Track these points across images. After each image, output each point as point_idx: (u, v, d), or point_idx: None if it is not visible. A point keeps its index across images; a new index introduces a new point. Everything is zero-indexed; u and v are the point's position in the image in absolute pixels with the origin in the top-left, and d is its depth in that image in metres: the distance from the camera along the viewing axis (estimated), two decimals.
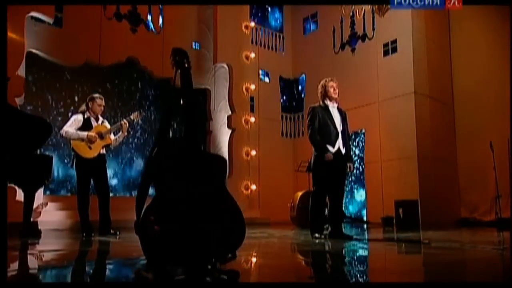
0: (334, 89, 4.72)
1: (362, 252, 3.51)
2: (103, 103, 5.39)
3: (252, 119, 10.21)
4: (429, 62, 9.54)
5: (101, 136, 5.22)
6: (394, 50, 9.59)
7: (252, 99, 10.49)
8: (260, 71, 10.83)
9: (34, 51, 7.86)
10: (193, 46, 10.05)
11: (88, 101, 5.36)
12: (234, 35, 10.22)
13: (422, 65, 9.41)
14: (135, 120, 5.53)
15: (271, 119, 10.80)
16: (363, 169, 9.80)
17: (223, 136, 10.09)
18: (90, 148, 5.14)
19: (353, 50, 10.16)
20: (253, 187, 9.90)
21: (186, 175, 1.76)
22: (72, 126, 5.17)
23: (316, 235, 4.61)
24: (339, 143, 4.69)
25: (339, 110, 4.80)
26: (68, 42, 8.20)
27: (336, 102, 4.78)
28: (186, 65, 2.06)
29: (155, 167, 1.76)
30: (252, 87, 10.29)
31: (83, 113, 5.32)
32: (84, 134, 5.12)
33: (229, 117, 10.05)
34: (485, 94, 9.26)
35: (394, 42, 9.59)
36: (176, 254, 1.65)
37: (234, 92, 10.10)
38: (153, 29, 8.94)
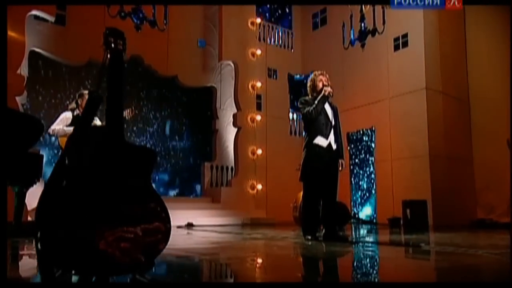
0: (323, 83, 4.49)
1: (345, 256, 3.25)
2: None
3: (258, 117, 9.98)
4: (442, 56, 9.11)
5: None
6: (405, 44, 9.21)
7: (259, 97, 10.26)
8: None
9: (37, 50, 7.86)
10: (199, 44, 9.90)
11: (77, 98, 5.25)
12: (240, 32, 10.02)
13: (435, 59, 9.00)
14: (127, 117, 5.41)
15: (279, 117, 10.54)
16: (373, 168, 9.45)
17: (229, 134, 9.91)
18: None
19: (363, 45, 9.86)
20: (259, 186, 9.67)
21: (103, 168, 1.57)
22: (60, 124, 5.07)
23: (308, 236, 4.38)
24: (331, 137, 4.45)
25: (330, 104, 4.55)
26: (72, 40, 8.16)
27: None
28: (119, 47, 1.87)
29: (70, 158, 1.58)
30: (258, 84, 10.06)
31: (72, 110, 5.22)
32: (70, 129, 5.00)
33: (234, 115, 9.87)
34: (503, 89, 8.74)
35: (405, 36, 9.21)
36: (69, 260, 1.44)
37: (240, 90, 9.90)
38: (157, 26, 8.87)
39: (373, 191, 9.37)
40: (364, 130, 9.71)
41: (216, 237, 5.38)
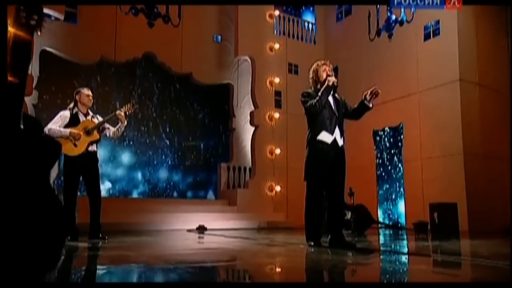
0: (327, 73, 4.23)
1: (340, 266, 2.96)
2: (91, 93, 5.22)
3: (276, 115, 9.72)
4: (478, 44, 8.53)
5: (87, 132, 5.03)
6: (436, 32, 8.71)
7: (278, 94, 10.01)
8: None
9: (48, 49, 7.98)
10: (215, 39, 9.79)
11: (75, 95, 5.21)
12: (257, 25, 9.78)
13: (470, 48, 8.44)
14: (127, 113, 5.32)
15: (301, 114, 10.17)
16: (401, 168, 8.98)
17: (247, 133, 9.71)
18: (75, 145, 4.96)
19: (390, 35, 9.46)
20: (278, 188, 9.40)
21: None
22: (57, 123, 5.00)
23: (311, 243, 4.12)
24: (337, 132, 4.17)
25: (334, 97, 4.27)
26: (83, 38, 8.23)
27: None
28: (32, 22, 1.69)
29: None
30: (277, 80, 9.80)
31: (71, 109, 5.17)
32: (66, 131, 4.94)
33: (251, 113, 9.66)
34: None
35: (437, 23, 8.70)
36: None
37: (257, 87, 9.68)
38: (171, 22, 8.83)
39: (402, 193, 8.90)
40: (391, 127, 9.26)
41: (215, 242, 5.19)
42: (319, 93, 4.15)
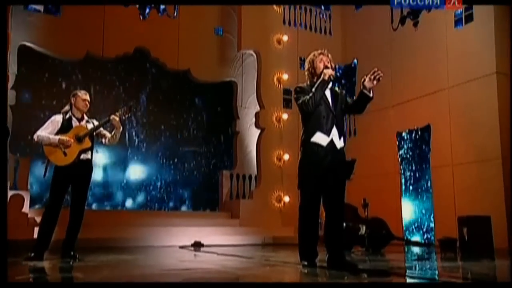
0: (324, 64, 4.06)
1: None
2: (88, 98, 5.14)
3: (285, 116, 9.51)
4: None
5: (78, 139, 4.93)
6: (469, 18, 8.42)
7: (288, 92, 9.81)
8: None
9: (28, 44, 7.97)
10: (215, 32, 9.69)
11: (70, 98, 5.15)
12: (263, 15, 9.63)
13: (509, 35, 8.08)
14: (123, 117, 5.23)
15: None
16: (429, 175, 8.69)
17: (252, 137, 9.57)
18: (65, 154, 4.88)
19: (415, 23, 9.25)
20: (286, 199, 9.17)
21: None
22: (47, 129, 4.94)
23: (305, 262, 3.92)
24: (334, 132, 3.94)
25: (332, 91, 4.06)
26: (67, 32, 8.21)
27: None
28: None
29: None
30: (285, 77, 9.61)
31: (65, 113, 5.10)
32: (55, 138, 4.86)
33: (257, 114, 9.52)
34: None
35: (469, 8, 8.42)
36: None
37: (264, 84, 9.54)
38: (166, 13, 8.80)
39: (429, 205, 8.57)
40: (418, 128, 9.02)
41: (201, 261, 5.01)
42: (313, 89, 3.95)
